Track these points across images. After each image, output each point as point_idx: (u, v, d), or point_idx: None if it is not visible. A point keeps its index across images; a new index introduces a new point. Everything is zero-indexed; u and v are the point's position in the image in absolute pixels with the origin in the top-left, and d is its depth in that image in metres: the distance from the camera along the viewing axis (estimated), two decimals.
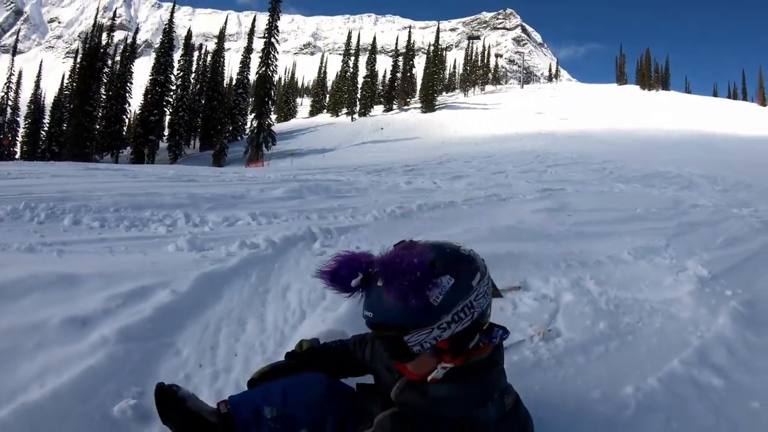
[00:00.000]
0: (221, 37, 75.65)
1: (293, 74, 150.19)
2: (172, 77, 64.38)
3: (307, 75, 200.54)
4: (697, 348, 3.37)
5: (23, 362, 2.57)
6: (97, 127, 60.54)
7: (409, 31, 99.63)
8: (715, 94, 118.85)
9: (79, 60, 66.80)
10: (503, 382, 1.99)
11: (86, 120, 57.59)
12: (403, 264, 1.66)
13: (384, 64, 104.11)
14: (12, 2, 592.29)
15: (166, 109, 62.97)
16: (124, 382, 2.55)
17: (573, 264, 5.08)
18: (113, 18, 71.98)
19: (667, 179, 15.52)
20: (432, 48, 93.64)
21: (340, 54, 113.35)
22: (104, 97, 62.54)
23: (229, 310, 3.54)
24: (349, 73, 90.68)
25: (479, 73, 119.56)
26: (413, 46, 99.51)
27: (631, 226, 7.35)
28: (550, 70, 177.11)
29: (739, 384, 3.00)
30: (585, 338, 3.45)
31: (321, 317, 3.41)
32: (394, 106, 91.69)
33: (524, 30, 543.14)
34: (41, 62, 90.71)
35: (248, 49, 66.43)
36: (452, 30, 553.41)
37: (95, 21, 68.80)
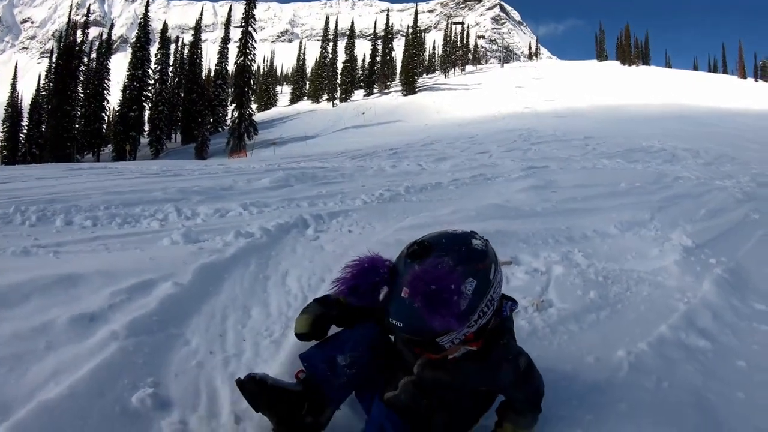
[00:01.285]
0: (197, 29, 74.64)
1: (272, 62, 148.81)
2: (150, 71, 63.45)
3: (285, 63, 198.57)
4: (684, 313, 3.49)
5: (35, 363, 2.58)
6: (77, 126, 59.55)
7: (387, 14, 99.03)
8: (695, 68, 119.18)
9: (54, 59, 65.82)
10: (515, 347, 2.12)
11: (65, 120, 56.78)
12: (431, 286, 1.72)
13: (363, 49, 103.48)
14: None
15: (145, 104, 62.15)
16: (139, 374, 2.58)
17: (561, 239, 5.21)
18: (87, 15, 71.16)
19: (650, 153, 15.68)
20: (411, 30, 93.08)
21: (318, 40, 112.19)
22: (82, 95, 61.41)
23: (233, 298, 3.60)
24: (328, 59, 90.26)
25: (459, 53, 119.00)
26: (392, 29, 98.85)
27: (615, 200, 7.50)
28: (529, 48, 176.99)
29: (726, 345, 3.12)
30: (577, 308, 3.56)
31: None
32: (375, 90, 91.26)
33: (503, 9, 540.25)
34: (16, 64, 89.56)
35: (225, 40, 65.81)
36: (430, 11, 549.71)
37: (69, 19, 67.59)
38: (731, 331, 3.33)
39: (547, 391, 2.20)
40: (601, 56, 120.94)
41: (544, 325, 3.29)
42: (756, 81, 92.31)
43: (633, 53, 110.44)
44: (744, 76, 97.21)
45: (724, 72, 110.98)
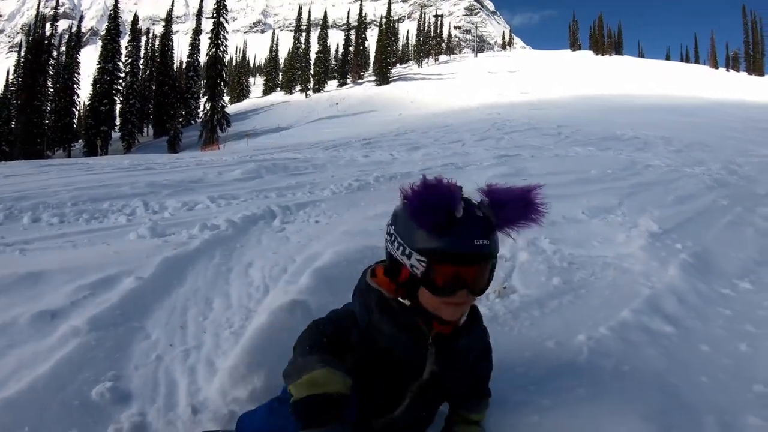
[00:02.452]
0: (168, 20, 73.80)
1: (244, 54, 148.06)
2: (121, 64, 62.94)
3: (258, 54, 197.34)
4: (649, 298, 3.49)
5: None
6: (47, 121, 58.82)
7: (361, 4, 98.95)
8: (667, 58, 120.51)
9: (23, 53, 64.74)
10: None
11: (35, 115, 55.96)
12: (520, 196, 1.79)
13: (336, 39, 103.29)
14: None
15: (116, 98, 61.64)
16: (100, 368, 2.63)
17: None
18: (56, 7, 69.76)
19: (622, 141, 15.73)
20: (384, 20, 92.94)
21: (291, 30, 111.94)
22: (52, 90, 60.71)
23: (195, 290, 3.66)
24: (301, 50, 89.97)
25: (433, 43, 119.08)
26: (365, 19, 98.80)
27: (586, 187, 7.56)
28: (503, 38, 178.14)
29: (690, 330, 3.12)
30: (540, 294, 3.56)
31: (284, 290, 3.45)
32: (348, 81, 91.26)
33: None
34: None
35: (197, 31, 65.36)
36: (404, 1, 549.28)
37: (38, 12, 66.70)
38: (696, 315, 3.33)
39: (504, 376, 2.20)
40: (575, 46, 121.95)
41: (506, 311, 3.28)
42: (728, 71, 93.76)
43: (606, 43, 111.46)
44: (716, 66, 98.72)
45: (696, 62, 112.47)
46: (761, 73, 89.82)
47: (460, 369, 1.96)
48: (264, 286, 3.75)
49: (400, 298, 1.83)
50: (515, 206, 1.76)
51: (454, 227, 1.66)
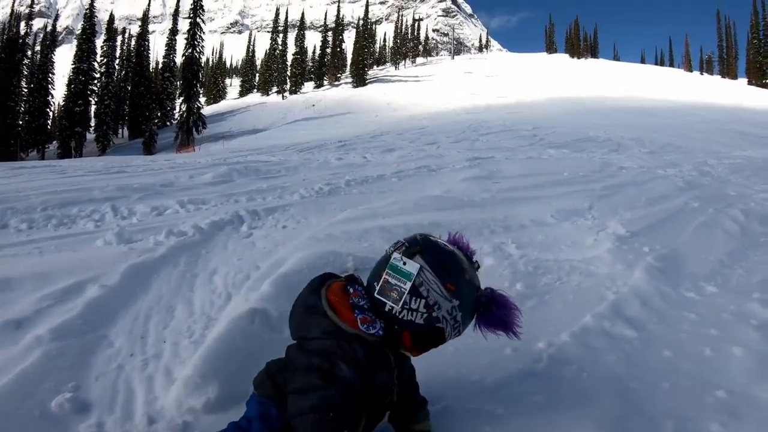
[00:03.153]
0: (145, 20, 73.13)
1: (221, 54, 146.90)
2: (96, 64, 61.81)
3: (235, 54, 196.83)
4: (612, 302, 3.49)
5: None
6: (21, 122, 57.36)
7: (338, 6, 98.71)
8: (642, 61, 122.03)
9: None
10: None
11: (8, 116, 54.43)
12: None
13: (313, 40, 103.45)
14: None
15: (91, 99, 60.37)
16: (61, 377, 2.63)
17: (496, 229, 5.21)
18: (31, 5, 68.85)
19: (596, 143, 15.89)
20: (361, 22, 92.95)
21: (268, 32, 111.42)
22: (26, 90, 59.39)
23: (158, 298, 3.65)
24: (278, 51, 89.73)
25: (410, 45, 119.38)
26: (342, 21, 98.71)
27: (557, 189, 7.56)
28: (480, 40, 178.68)
29: (653, 334, 3.11)
30: None
31: (245, 297, 3.47)
32: (325, 82, 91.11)
33: (454, 1, 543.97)
34: None
35: (173, 31, 64.76)
36: (382, 3, 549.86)
37: (12, 9, 65.22)
38: (659, 319, 3.33)
39: (458, 385, 2.19)
40: (551, 49, 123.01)
41: None
42: (701, 74, 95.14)
43: (582, 46, 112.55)
44: (690, 70, 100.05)
45: (671, 65, 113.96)
46: (734, 77, 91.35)
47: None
48: (226, 294, 3.74)
49: (371, 329, 1.77)
50: (498, 314, 1.90)
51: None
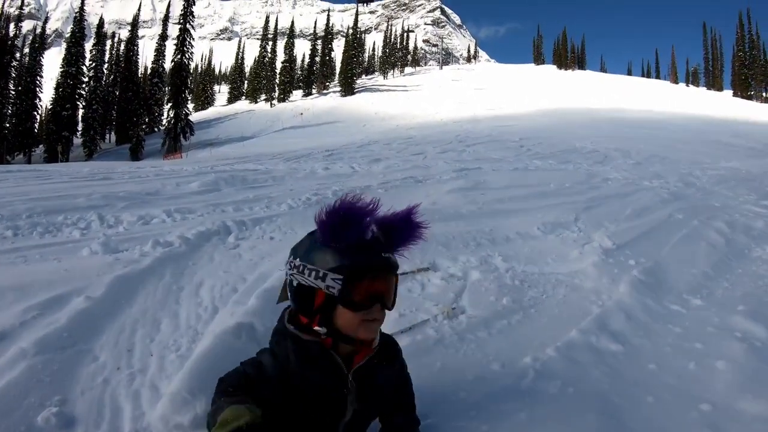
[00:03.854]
0: (134, 24, 72.93)
1: (210, 61, 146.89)
2: (84, 68, 61.43)
3: (224, 61, 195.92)
4: (597, 316, 3.51)
5: None
6: (7, 125, 56.92)
7: (328, 15, 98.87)
8: (629, 73, 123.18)
9: None
10: None
11: None
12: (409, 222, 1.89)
13: (302, 49, 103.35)
14: None
15: (78, 103, 60.00)
16: (46, 392, 2.57)
17: (483, 242, 5.22)
18: (21, 7, 68.54)
19: (582, 155, 15.95)
20: (351, 31, 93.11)
21: (258, 39, 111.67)
22: (13, 92, 58.88)
23: (144, 310, 3.57)
24: (267, 59, 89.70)
25: (398, 55, 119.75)
26: (332, 30, 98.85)
27: (543, 201, 7.60)
28: (468, 51, 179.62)
29: (637, 348, 3.13)
30: (488, 314, 3.53)
31: (231, 311, 3.42)
32: (314, 91, 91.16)
33: (443, 12, 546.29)
34: None
35: (163, 36, 64.33)
36: (371, 12, 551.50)
37: (2, 11, 64.69)
38: (644, 332, 3.35)
39: (445, 401, 2.18)
40: (539, 60, 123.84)
41: (452, 333, 3.25)
42: (687, 86, 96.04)
43: (570, 58, 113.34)
44: (676, 81, 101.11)
45: (657, 77, 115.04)
46: (720, 89, 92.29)
47: (382, 403, 2.03)
48: (213, 307, 3.69)
49: (316, 327, 1.84)
50: (400, 228, 1.87)
51: (362, 245, 1.80)
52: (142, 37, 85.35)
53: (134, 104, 64.14)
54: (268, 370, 1.86)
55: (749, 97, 79.71)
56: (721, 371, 2.83)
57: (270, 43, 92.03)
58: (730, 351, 3.06)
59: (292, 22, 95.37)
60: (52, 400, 2.51)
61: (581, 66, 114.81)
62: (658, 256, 5.03)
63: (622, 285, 4.08)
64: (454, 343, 3.12)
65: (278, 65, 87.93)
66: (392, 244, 1.86)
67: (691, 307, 3.83)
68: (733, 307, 3.74)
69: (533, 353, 2.93)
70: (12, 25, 61.30)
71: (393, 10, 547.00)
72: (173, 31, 62.54)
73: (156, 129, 68.79)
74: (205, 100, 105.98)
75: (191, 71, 64.75)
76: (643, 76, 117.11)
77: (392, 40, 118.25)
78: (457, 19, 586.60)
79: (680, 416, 2.42)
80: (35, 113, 61.72)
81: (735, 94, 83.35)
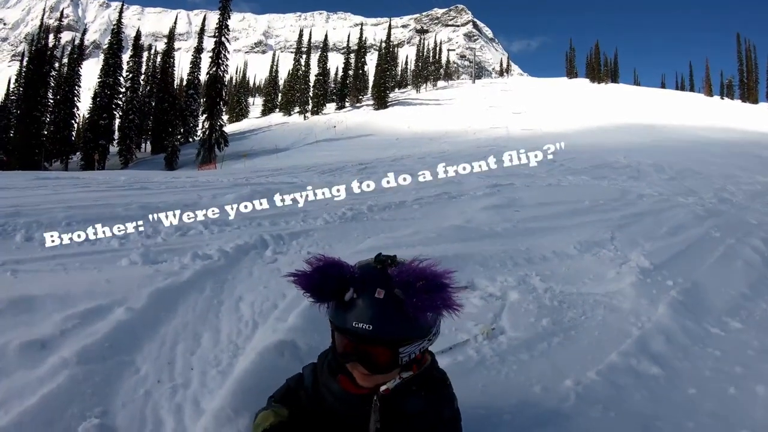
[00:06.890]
0: (171, 37, 74.04)
1: (244, 73, 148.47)
2: (122, 79, 62.44)
3: (258, 74, 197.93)
4: (637, 338, 3.50)
5: None
6: (45, 133, 57.87)
7: (361, 28, 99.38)
8: (663, 86, 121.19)
9: (25, 63, 64.41)
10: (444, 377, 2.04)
11: (34, 126, 54.95)
12: (431, 279, 1.69)
13: (336, 62, 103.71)
14: None
15: (115, 113, 60.93)
16: (87, 403, 2.57)
17: (519, 261, 5.20)
18: (60, 18, 70.04)
19: (615, 170, 15.74)
20: (384, 44, 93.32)
21: (291, 52, 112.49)
22: (52, 101, 59.82)
23: (185, 324, 3.56)
24: (301, 71, 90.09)
25: (431, 69, 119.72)
26: (365, 43, 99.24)
27: (577, 219, 7.54)
28: (501, 64, 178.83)
29: (678, 371, 3.12)
30: (528, 335, 3.53)
31: (272, 327, 3.43)
32: (347, 104, 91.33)
33: (475, 25, 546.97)
34: None
35: (198, 49, 65.27)
36: (404, 26, 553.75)
37: (42, 22, 66.07)
38: (684, 355, 3.34)
39: (490, 425, 2.17)
40: (571, 74, 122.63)
41: (493, 354, 3.25)
42: (722, 99, 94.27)
43: (602, 71, 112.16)
44: (710, 94, 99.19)
45: (691, 90, 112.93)
46: (755, 101, 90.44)
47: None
48: (253, 322, 3.67)
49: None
50: (422, 291, 1.68)
51: (351, 303, 1.74)
52: (178, 49, 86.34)
53: (170, 115, 64.88)
54: (306, 380, 2.06)
55: None
56: (761, 396, 2.82)
57: (304, 56, 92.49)
58: None
59: (326, 36, 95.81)
60: (94, 411, 2.52)
61: (614, 79, 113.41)
62: (695, 276, 4.98)
63: (660, 306, 4.05)
64: (495, 364, 3.13)
65: (312, 78, 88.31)
66: (409, 306, 1.68)
67: (730, 329, 3.81)
68: None
69: (575, 376, 2.93)
70: (51, 36, 62.50)
71: (425, 23, 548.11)
72: (209, 43, 63.21)
73: (191, 139, 69.60)
74: (239, 112, 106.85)
75: (226, 83, 65.24)
76: (677, 89, 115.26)
77: (425, 53, 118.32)
78: (489, 33, 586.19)
79: None
80: (73, 122, 62.76)
81: None
